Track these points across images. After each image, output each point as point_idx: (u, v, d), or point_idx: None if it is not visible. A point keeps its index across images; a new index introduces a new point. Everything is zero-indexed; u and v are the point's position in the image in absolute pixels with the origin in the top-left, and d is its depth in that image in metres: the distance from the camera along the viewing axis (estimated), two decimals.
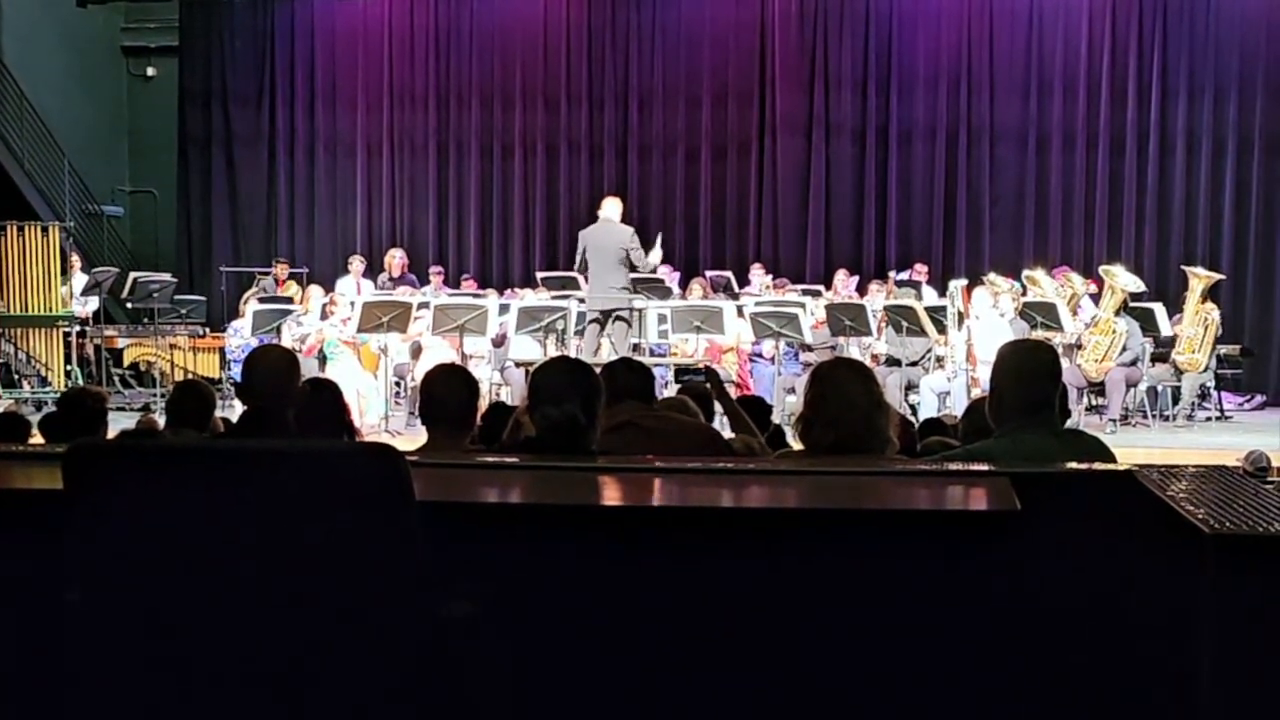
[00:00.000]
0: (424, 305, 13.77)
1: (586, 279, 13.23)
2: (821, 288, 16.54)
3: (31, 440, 6.70)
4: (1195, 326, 13.83)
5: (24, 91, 18.60)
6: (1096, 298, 14.21)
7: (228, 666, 2.59)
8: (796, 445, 4.55)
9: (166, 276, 16.59)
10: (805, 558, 3.01)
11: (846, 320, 13.27)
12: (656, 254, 13.30)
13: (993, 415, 4.23)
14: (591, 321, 12.88)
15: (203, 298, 17.26)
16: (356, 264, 16.98)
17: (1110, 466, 3.57)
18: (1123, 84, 18.29)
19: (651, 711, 3.08)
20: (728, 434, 5.59)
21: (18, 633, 3.06)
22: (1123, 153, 18.31)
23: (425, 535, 2.57)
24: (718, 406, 6.39)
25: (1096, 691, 3.04)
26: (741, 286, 16.78)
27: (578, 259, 13.19)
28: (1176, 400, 13.99)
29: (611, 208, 13.13)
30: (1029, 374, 4.20)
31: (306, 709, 2.59)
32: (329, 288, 15.51)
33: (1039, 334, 12.72)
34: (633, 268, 12.87)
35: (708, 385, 6.14)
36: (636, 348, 13.07)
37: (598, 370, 4.43)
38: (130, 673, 2.61)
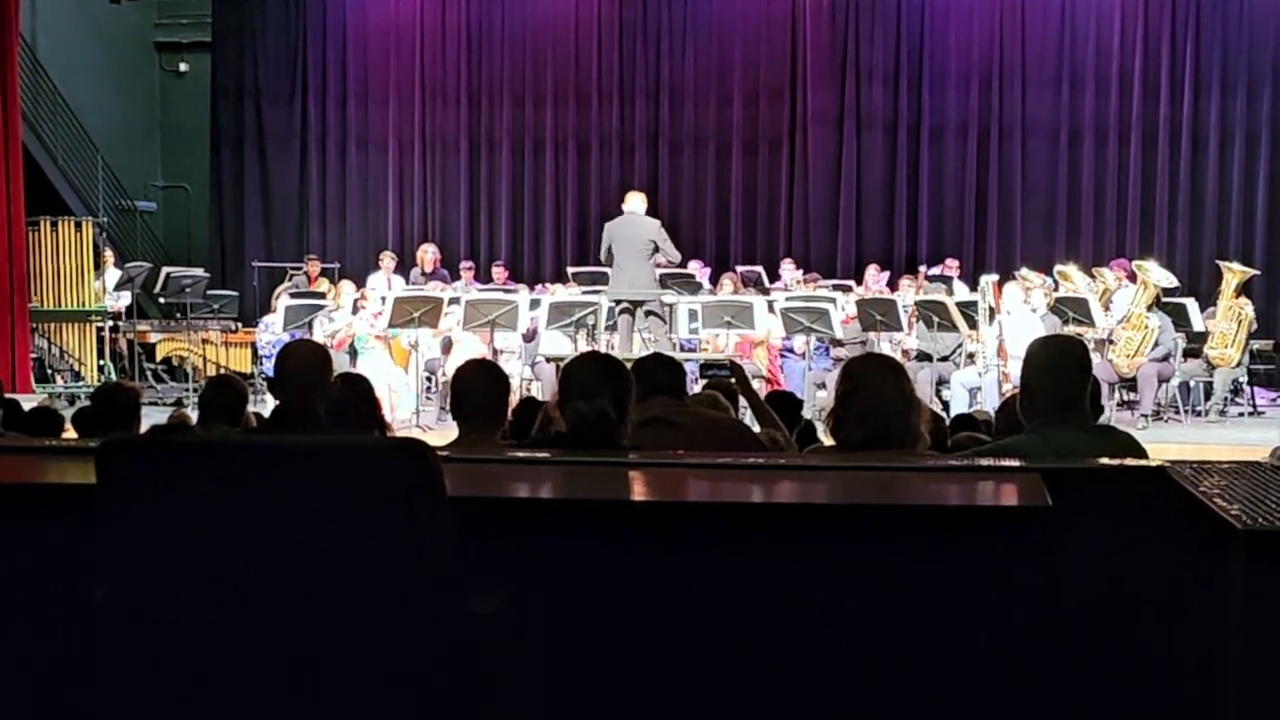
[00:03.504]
0: (455, 300, 13.80)
1: (610, 271, 13.29)
2: (852, 283, 16.52)
3: (65, 435, 6.74)
4: (1228, 321, 13.75)
5: (58, 87, 18.70)
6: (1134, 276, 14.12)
7: (258, 661, 2.60)
8: (827, 440, 4.54)
9: (199, 271, 16.66)
10: (836, 553, 3.01)
11: (877, 315, 13.24)
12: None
13: (1023, 411, 4.21)
14: (621, 313, 12.90)
15: (235, 293, 17.31)
16: (388, 259, 17.01)
17: (1142, 462, 3.55)
18: (1155, 78, 18.21)
19: (682, 706, 3.08)
20: (755, 428, 5.58)
21: (50, 625, 3.08)
22: (1155, 147, 18.23)
23: (456, 530, 2.57)
24: (743, 401, 6.39)
25: (1128, 687, 3.03)
26: (772, 281, 16.77)
27: (603, 251, 13.22)
28: (1209, 396, 13.91)
29: (636, 201, 13.16)
30: (1059, 369, 4.19)
31: (338, 703, 2.60)
32: (360, 283, 15.55)
33: (1071, 329, 12.66)
34: (668, 260, 12.94)
35: (732, 380, 6.13)
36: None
37: (629, 365, 4.43)
38: (160, 666, 2.63)
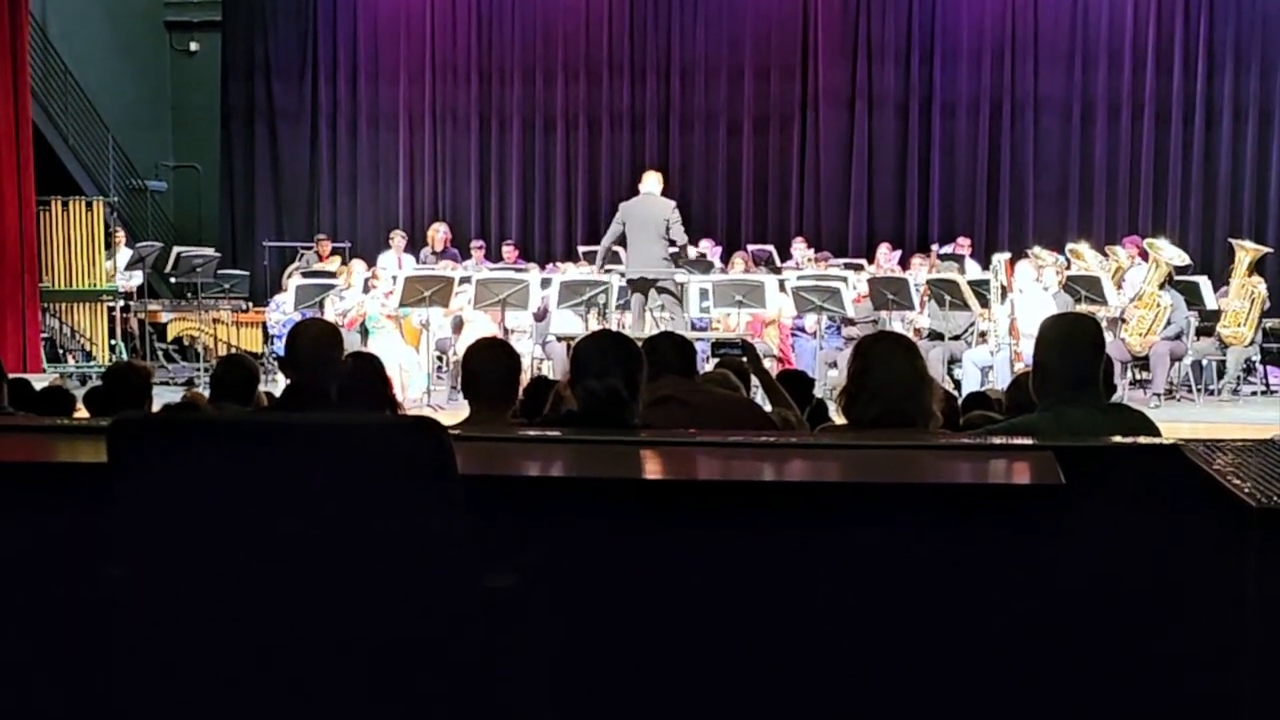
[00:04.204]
0: (466, 280, 13.79)
1: (624, 251, 13.17)
2: (864, 261, 16.49)
3: (76, 415, 6.74)
4: (1241, 300, 13.70)
5: (68, 67, 18.68)
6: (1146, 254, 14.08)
7: (270, 640, 2.60)
8: (839, 419, 4.53)
9: (210, 251, 16.66)
10: (848, 532, 3.00)
11: (889, 294, 13.22)
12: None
13: (1036, 389, 4.20)
14: (634, 292, 12.87)
15: (246, 272, 17.31)
16: (398, 238, 17.00)
17: (1155, 440, 3.54)
18: (1169, 54, 18.16)
19: (692, 683, 3.08)
20: (765, 408, 5.58)
21: (63, 605, 3.08)
22: (1168, 124, 18.19)
23: (467, 508, 2.57)
24: (754, 380, 6.38)
25: (1141, 666, 3.02)
26: (783, 260, 16.74)
27: (613, 230, 13.11)
28: (1221, 374, 13.87)
29: (652, 181, 13.10)
30: (1072, 347, 4.16)
31: (349, 681, 2.61)
32: (371, 262, 15.54)
33: (1083, 307, 12.63)
34: (672, 242, 12.82)
35: (744, 359, 6.12)
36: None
37: (640, 344, 4.42)
38: (173, 645, 2.63)
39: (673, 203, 12.96)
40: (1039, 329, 4.36)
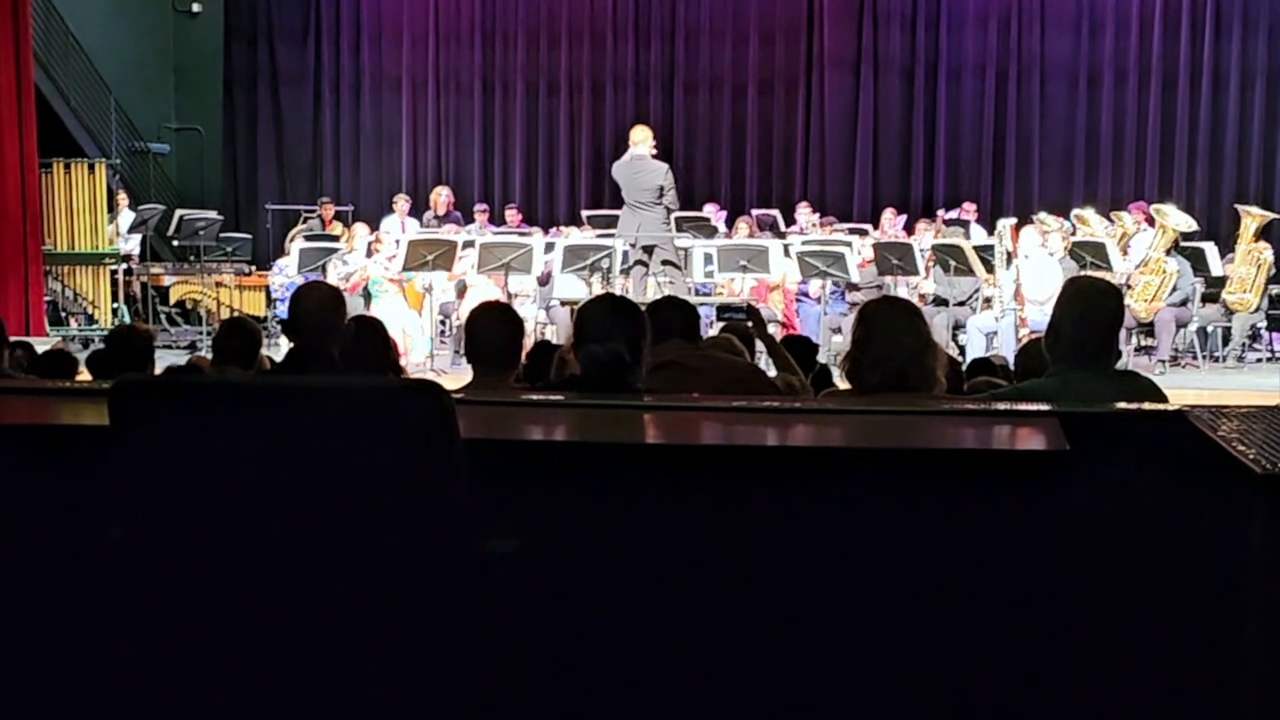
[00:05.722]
0: (469, 244, 13.77)
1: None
2: (869, 226, 16.46)
3: (79, 378, 6.74)
4: (1247, 266, 13.66)
5: (70, 28, 18.59)
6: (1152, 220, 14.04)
7: (270, 603, 2.59)
8: (843, 385, 4.52)
9: (212, 214, 16.63)
10: (851, 497, 2.99)
11: (894, 259, 13.19)
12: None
13: (1049, 349, 4.18)
14: (636, 263, 12.76)
15: (248, 235, 17.29)
16: (401, 202, 16.98)
17: (1161, 407, 3.52)
18: (1176, 18, 18.08)
19: (693, 650, 3.07)
20: (770, 372, 5.57)
21: (64, 568, 3.08)
22: (1175, 89, 18.12)
23: (469, 473, 2.56)
24: (760, 345, 6.37)
25: (1145, 632, 3.02)
26: (788, 225, 16.71)
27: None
28: (1227, 341, 13.85)
29: (643, 145, 12.77)
30: (1090, 317, 4.12)
31: (348, 646, 2.60)
32: (374, 226, 15.51)
33: (1088, 273, 12.59)
34: (667, 208, 12.69)
35: (749, 323, 6.11)
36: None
37: (644, 309, 4.41)
38: (173, 609, 2.62)
39: (666, 166, 12.76)
40: (1061, 289, 4.33)
